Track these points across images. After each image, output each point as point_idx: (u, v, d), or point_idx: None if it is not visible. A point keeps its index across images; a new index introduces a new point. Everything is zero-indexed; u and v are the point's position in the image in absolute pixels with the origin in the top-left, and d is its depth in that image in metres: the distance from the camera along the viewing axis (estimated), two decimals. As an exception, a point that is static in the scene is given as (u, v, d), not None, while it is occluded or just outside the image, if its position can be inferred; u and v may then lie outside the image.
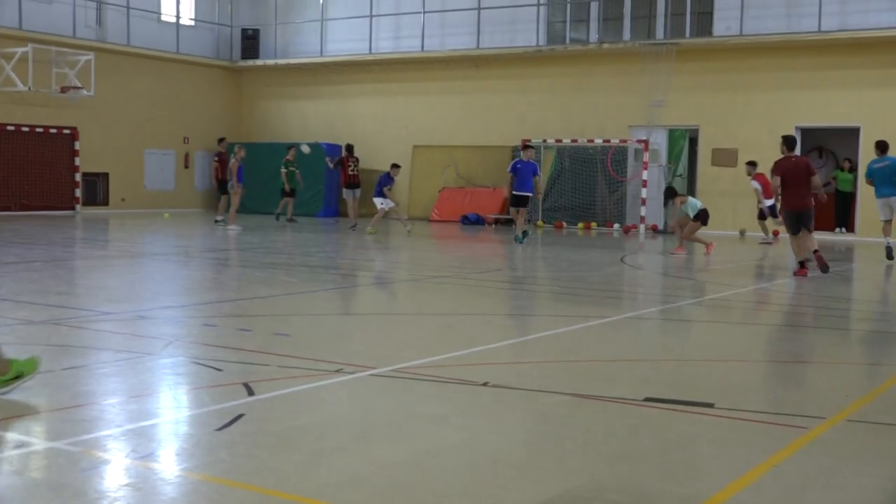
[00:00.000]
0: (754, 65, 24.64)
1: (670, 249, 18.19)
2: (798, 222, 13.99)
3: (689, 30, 25.81)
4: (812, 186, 13.90)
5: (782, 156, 14.27)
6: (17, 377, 5.76)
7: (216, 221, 23.22)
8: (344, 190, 24.06)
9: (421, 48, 28.99)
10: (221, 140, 25.22)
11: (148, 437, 5.07)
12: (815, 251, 14.03)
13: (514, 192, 19.63)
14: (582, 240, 22.19)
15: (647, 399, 6.03)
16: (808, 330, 10.03)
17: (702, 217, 17.76)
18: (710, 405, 5.91)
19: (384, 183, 21.81)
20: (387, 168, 22.38)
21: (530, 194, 19.70)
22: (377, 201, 21.85)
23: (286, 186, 25.04)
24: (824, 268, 14.03)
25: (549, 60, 27.21)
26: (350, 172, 23.64)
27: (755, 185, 21.11)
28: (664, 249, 18.42)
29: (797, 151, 14.50)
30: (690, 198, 18.48)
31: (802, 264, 14.03)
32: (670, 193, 18.82)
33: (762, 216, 21.51)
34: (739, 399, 6.25)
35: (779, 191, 14.18)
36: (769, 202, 20.61)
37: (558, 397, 6.08)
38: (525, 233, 19.65)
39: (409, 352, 7.57)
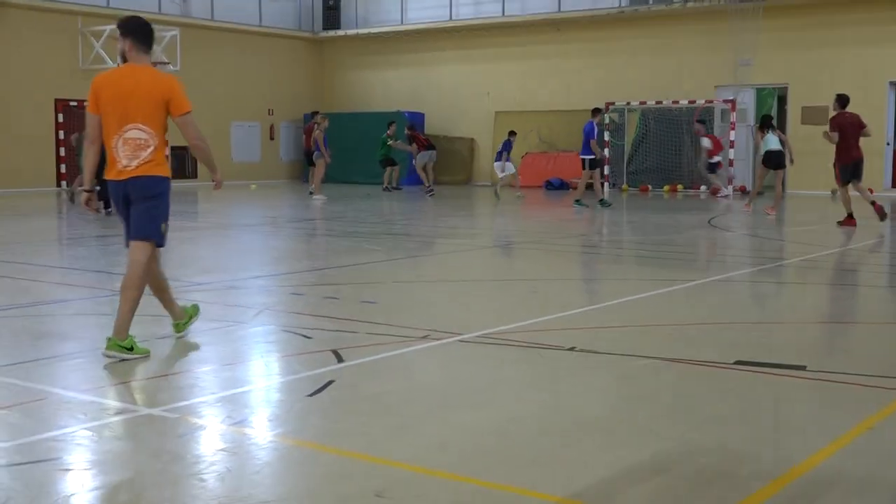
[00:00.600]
0: (844, 20, 23.89)
1: (763, 208, 17.80)
2: (854, 173, 15.32)
3: (777, -15, 25.12)
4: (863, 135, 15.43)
5: (835, 112, 15.54)
6: (189, 320, 6.72)
7: (310, 193, 23.21)
8: (421, 154, 24.12)
9: (502, 13, 28.79)
10: (315, 113, 25.14)
11: (241, 404, 5.19)
12: (873, 202, 15.41)
13: (593, 157, 19.79)
14: (668, 203, 21.89)
15: (737, 362, 5.95)
16: (904, 291, 9.76)
17: (770, 160, 17.04)
18: (802, 367, 5.81)
19: (507, 149, 22.66)
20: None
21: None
22: (498, 167, 22.74)
23: (387, 157, 25.33)
24: (882, 214, 15.28)
25: (632, 22, 26.79)
26: (423, 137, 24.31)
27: (706, 142, 23.09)
28: (754, 210, 18.05)
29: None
30: (769, 134, 17.35)
31: (851, 216, 15.09)
32: (765, 123, 17.73)
33: (712, 170, 23.33)
34: (832, 361, 6.13)
35: (835, 142, 15.33)
36: (716, 159, 23.14)
37: (645, 361, 6.04)
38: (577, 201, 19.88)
39: (495, 317, 7.59)
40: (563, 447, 4.42)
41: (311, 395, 5.24)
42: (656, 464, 4.19)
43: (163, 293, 6.57)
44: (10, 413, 4.87)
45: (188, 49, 27.91)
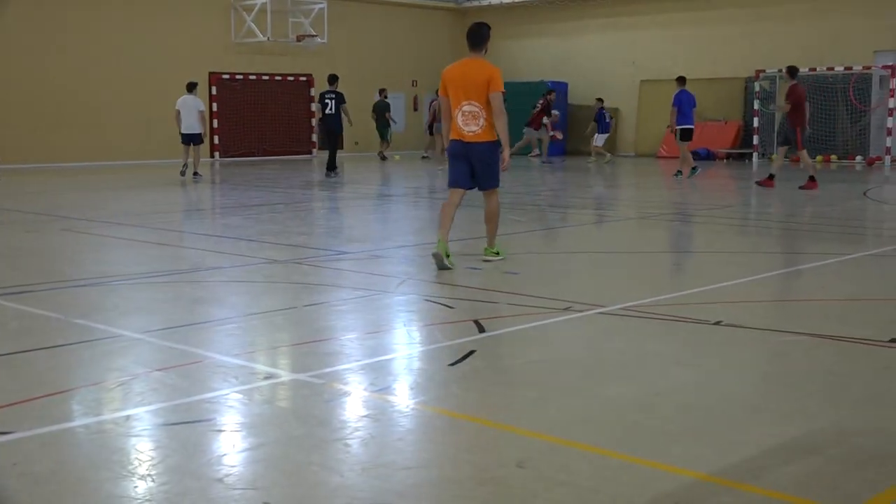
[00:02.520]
0: None
1: None
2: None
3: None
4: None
5: (792, 83, 16.39)
6: (497, 253, 8.89)
7: (423, 157, 23.88)
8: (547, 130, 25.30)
9: (648, -21, 28.19)
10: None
11: (385, 372, 5.28)
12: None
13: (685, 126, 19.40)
14: (821, 173, 21.05)
15: (893, 340, 5.70)
16: None
17: None
18: (966, 348, 5.52)
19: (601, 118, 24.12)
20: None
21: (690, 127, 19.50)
22: (601, 138, 23.59)
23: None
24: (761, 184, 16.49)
25: (784, -15, 25.81)
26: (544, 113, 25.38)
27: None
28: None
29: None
30: None
31: (813, 178, 16.24)
32: None
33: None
34: None
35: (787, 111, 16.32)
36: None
37: (796, 337, 5.85)
38: (694, 169, 19.37)
39: (638, 290, 7.48)
40: (710, 423, 4.33)
41: (452, 364, 5.29)
42: (806, 444, 4.06)
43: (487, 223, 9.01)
44: (168, 375, 5.08)
45: (335, 22, 28.39)
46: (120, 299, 7.35)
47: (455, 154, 8.52)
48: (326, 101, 20.34)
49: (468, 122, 8.30)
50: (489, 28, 8.58)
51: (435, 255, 8.32)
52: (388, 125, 27.29)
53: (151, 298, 7.43)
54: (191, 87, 20.33)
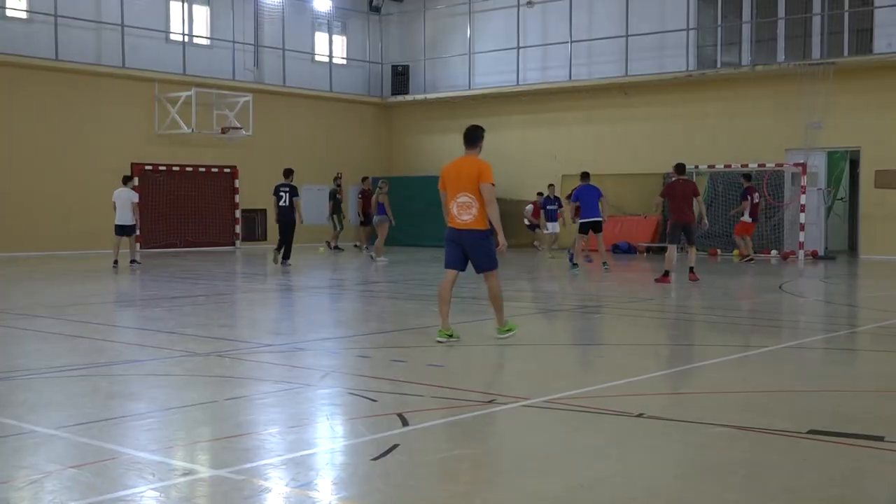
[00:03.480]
0: (918, 82, 23.57)
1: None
2: (684, 235, 16.58)
3: (848, 48, 24.92)
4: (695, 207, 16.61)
5: (673, 179, 16.86)
6: (510, 330, 9.74)
7: (371, 257, 23.58)
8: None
9: (569, 77, 28.96)
10: (365, 179, 26.24)
11: (307, 466, 5.19)
12: (667, 271, 16.61)
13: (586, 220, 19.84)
14: (738, 267, 21.60)
15: (811, 431, 5.80)
16: None
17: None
18: (880, 438, 5.63)
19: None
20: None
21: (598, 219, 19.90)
22: (552, 226, 23.93)
23: None
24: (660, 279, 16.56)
25: (699, 85, 26.74)
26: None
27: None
28: (825, 275, 17.72)
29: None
30: None
31: (667, 273, 16.54)
32: None
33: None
34: (912, 432, 5.93)
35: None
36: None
37: (717, 429, 5.91)
38: (575, 265, 19.75)
39: (562, 382, 7.51)
40: (632, 517, 4.32)
41: (375, 458, 5.22)
42: (729, 536, 4.07)
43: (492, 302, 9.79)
44: (82, 472, 4.92)
45: (260, 114, 28.55)
46: (31, 393, 7.13)
47: (450, 239, 9.50)
48: (281, 193, 20.68)
49: (461, 212, 9.30)
50: (483, 130, 9.75)
51: (441, 341, 9.43)
52: (339, 212, 27.65)
53: (66, 392, 7.22)
54: (126, 180, 21.12)
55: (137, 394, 7.27)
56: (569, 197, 20.16)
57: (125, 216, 20.49)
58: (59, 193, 25.23)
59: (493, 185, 9.24)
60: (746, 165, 25.01)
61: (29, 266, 21.22)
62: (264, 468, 5.09)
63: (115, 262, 20.18)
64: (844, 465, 5.20)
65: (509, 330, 9.71)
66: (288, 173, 20.84)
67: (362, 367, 8.30)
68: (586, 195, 19.70)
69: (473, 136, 9.66)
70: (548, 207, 24.93)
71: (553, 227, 24.92)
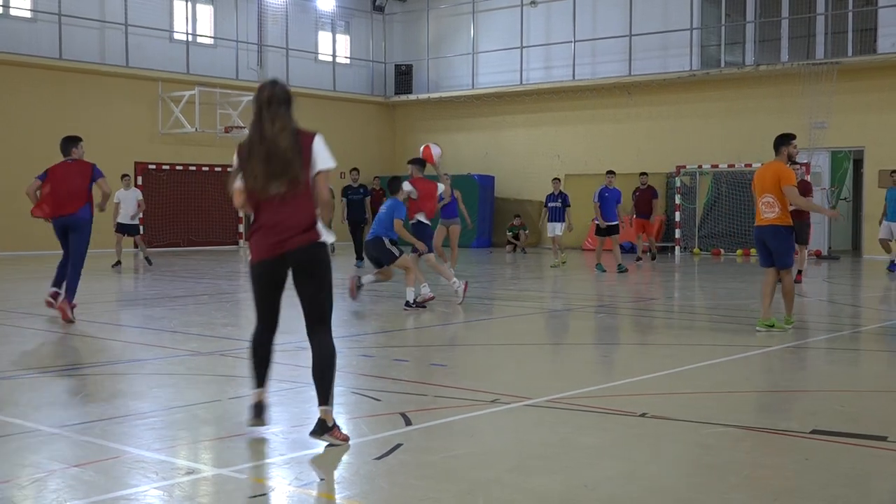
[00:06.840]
0: (922, 81, 23.55)
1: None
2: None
3: (852, 48, 24.89)
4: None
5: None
6: (772, 325, 10.29)
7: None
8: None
9: (572, 77, 28.95)
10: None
11: (309, 466, 5.18)
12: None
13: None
14: (741, 267, 21.58)
15: (815, 431, 5.79)
16: None
17: None
18: (883, 438, 5.63)
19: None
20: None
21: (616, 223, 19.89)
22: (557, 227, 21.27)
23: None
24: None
25: (703, 85, 26.73)
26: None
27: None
28: (828, 275, 17.70)
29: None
30: None
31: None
32: None
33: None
34: (915, 432, 5.92)
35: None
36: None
37: (720, 429, 5.91)
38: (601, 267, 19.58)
39: (565, 382, 7.51)
40: (636, 516, 4.32)
41: (378, 458, 5.22)
42: (732, 536, 4.07)
43: None
44: (85, 471, 4.92)
45: (263, 114, 28.49)
46: (35, 392, 7.14)
47: (756, 238, 10.81)
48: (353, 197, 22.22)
49: (766, 210, 10.48)
50: (789, 136, 10.50)
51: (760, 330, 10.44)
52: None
53: (69, 391, 7.23)
54: (126, 179, 21.30)
55: (141, 393, 7.27)
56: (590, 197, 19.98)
57: (131, 215, 20.60)
58: (63, 192, 25.21)
59: (794, 185, 10.14)
60: (750, 165, 24.99)
61: (32, 265, 21.22)
62: (268, 467, 5.10)
63: (119, 262, 20.14)
64: (848, 465, 5.19)
65: (771, 326, 10.38)
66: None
67: (365, 366, 8.30)
68: (605, 200, 19.75)
69: (781, 141, 10.51)
70: (550, 205, 21.38)
71: (553, 229, 21.40)
